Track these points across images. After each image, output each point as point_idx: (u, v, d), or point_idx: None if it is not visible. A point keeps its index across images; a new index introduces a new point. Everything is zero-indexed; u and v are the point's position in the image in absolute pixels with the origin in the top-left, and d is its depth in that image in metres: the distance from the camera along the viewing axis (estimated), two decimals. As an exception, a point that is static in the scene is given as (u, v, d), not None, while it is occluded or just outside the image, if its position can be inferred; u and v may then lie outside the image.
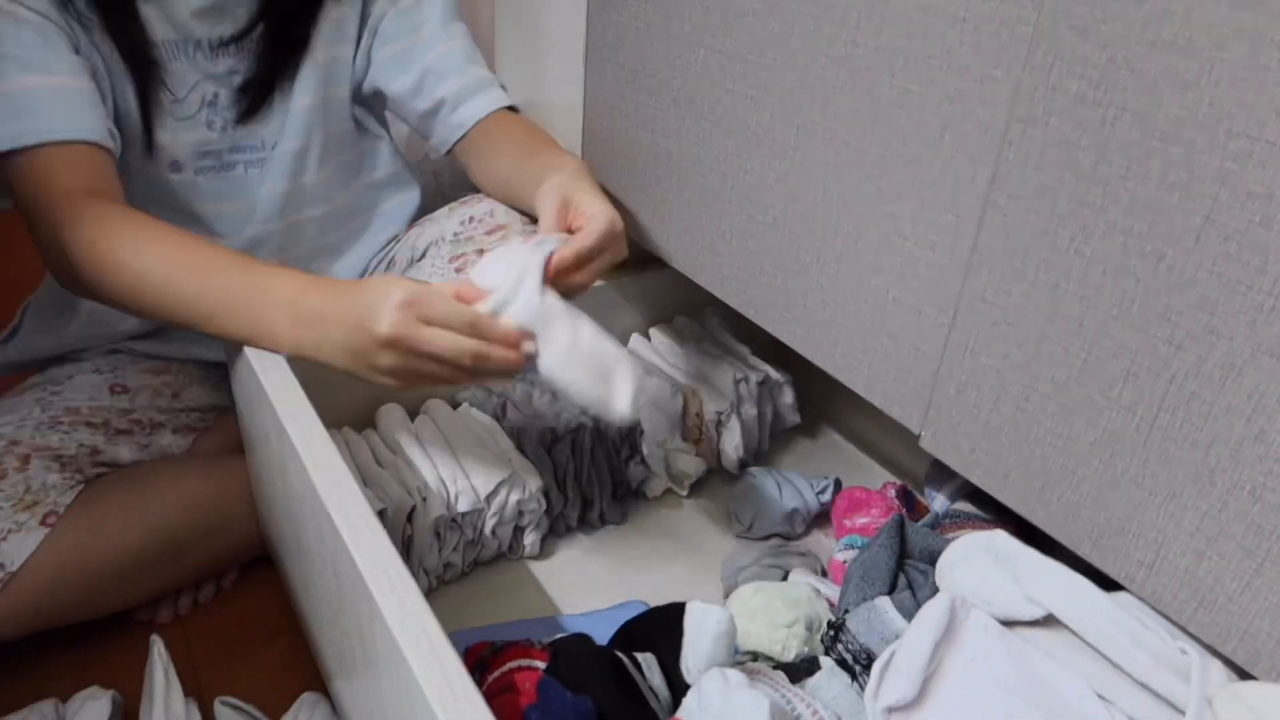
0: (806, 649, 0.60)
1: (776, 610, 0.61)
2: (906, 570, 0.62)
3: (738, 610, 0.62)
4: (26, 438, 0.76)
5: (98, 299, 0.70)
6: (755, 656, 0.61)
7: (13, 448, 0.74)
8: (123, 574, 0.75)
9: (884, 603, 0.58)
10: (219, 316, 0.65)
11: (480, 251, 0.84)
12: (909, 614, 0.57)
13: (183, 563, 0.80)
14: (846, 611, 0.59)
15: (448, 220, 0.91)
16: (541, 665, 0.57)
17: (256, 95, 0.84)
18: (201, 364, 0.96)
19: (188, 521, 0.79)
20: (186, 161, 0.84)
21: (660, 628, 0.61)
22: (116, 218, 0.68)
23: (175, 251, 0.66)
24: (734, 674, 0.51)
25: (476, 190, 0.91)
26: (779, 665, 0.59)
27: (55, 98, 0.71)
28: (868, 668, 0.55)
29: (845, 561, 0.72)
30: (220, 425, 0.93)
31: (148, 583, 0.78)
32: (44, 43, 0.71)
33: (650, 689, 0.57)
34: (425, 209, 1.04)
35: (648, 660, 0.58)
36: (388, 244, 0.99)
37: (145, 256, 0.66)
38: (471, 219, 0.90)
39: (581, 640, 0.59)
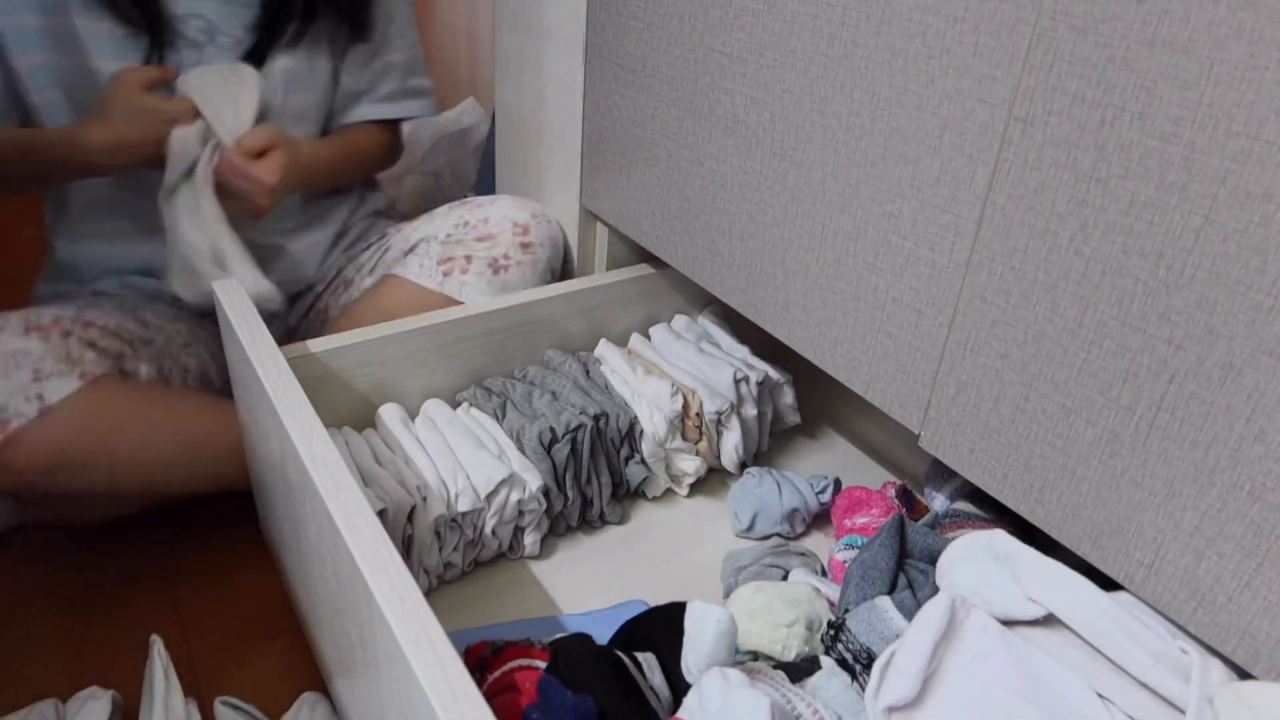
0: (807, 648, 0.60)
1: (777, 610, 0.61)
2: (906, 570, 0.62)
3: (738, 610, 0.62)
4: (66, 322, 0.79)
5: None
6: (755, 656, 0.61)
7: (56, 323, 0.78)
8: (143, 442, 0.77)
9: (884, 602, 0.58)
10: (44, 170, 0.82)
11: (468, 258, 0.92)
12: (909, 614, 0.57)
13: (197, 458, 0.81)
14: (846, 611, 0.59)
15: (444, 220, 0.96)
16: (542, 665, 0.57)
17: None
18: (208, 331, 0.96)
19: (207, 420, 0.81)
20: None
21: (660, 627, 0.61)
22: None
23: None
24: (734, 673, 0.51)
25: (474, 193, 0.92)
26: (779, 665, 0.59)
27: None
28: (868, 667, 0.55)
29: (845, 561, 0.72)
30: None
31: (159, 469, 0.79)
32: None
33: (651, 688, 0.57)
34: (425, 208, 1.05)
35: (648, 660, 0.58)
36: (381, 235, 1.04)
37: None
38: (465, 223, 0.95)
39: (582, 640, 0.59)
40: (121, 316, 0.86)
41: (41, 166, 0.81)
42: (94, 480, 0.77)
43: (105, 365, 0.78)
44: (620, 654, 0.58)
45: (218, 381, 0.98)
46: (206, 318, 0.97)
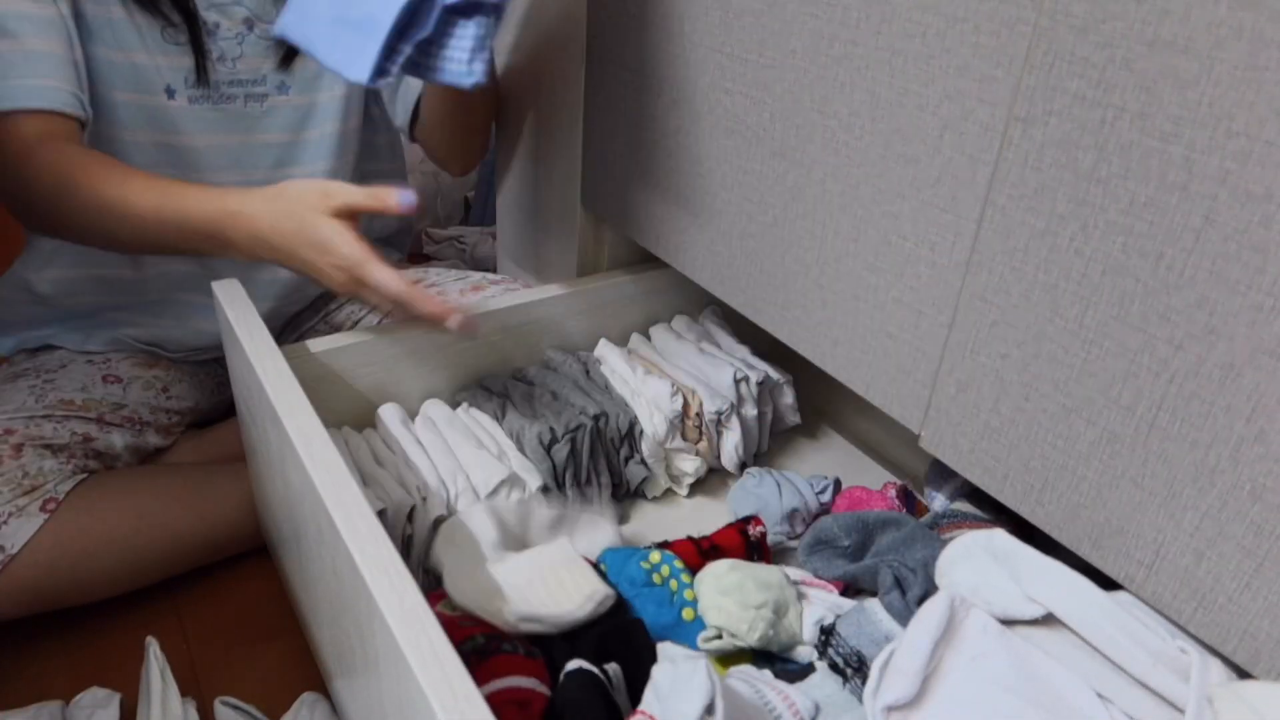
0: (771, 632, 0.61)
1: (748, 591, 0.62)
2: (896, 569, 0.62)
3: (710, 584, 0.63)
4: (20, 427, 0.77)
5: (63, 231, 0.74)
6: (720, 634, 0.61)
7: (7, 436, 0.75)
8: (118, 559, 0.76)
9: (873, 604, 0.58)
10: (184, 242, 0.71)
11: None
12: (899, 615, 0.57)
13: (178, 551, 0.80)
14: (839, 617, 0.59)
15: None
16: (539, 688, 0.53)
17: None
18: (191, 363, 0.96)
19: (183, 511, 0.80)
20: (179, 88, 0.83)
21: (620, 644, 0.58)
22: (81, 153, 0.71)
23: (139, 179, 0.71)
24: (678, 651, 0.52)
25: (473, 193, 0.92)
26: (759, 660, 0.59)
27: (18, 63, 0.71)
28: (859, 670, 0.55)
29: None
30: (202, 433, 0.94)
31: (143, 569, 0.79)
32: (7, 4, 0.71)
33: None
34: (424, 206, 1.04)
35: (616, 674, 0.55)
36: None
37: (110, 185, 0.70)
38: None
39: (585, 691, 0.53)
40: (89, 379, 0.84)
41: (174, 225, 0.70)
42: (80, 595, 0.76)
43: (69, 470, 0.76)
44: (601, 674, 0.54)
45: (205, 405, 0.98)
46: (184, 362, 0.97)
